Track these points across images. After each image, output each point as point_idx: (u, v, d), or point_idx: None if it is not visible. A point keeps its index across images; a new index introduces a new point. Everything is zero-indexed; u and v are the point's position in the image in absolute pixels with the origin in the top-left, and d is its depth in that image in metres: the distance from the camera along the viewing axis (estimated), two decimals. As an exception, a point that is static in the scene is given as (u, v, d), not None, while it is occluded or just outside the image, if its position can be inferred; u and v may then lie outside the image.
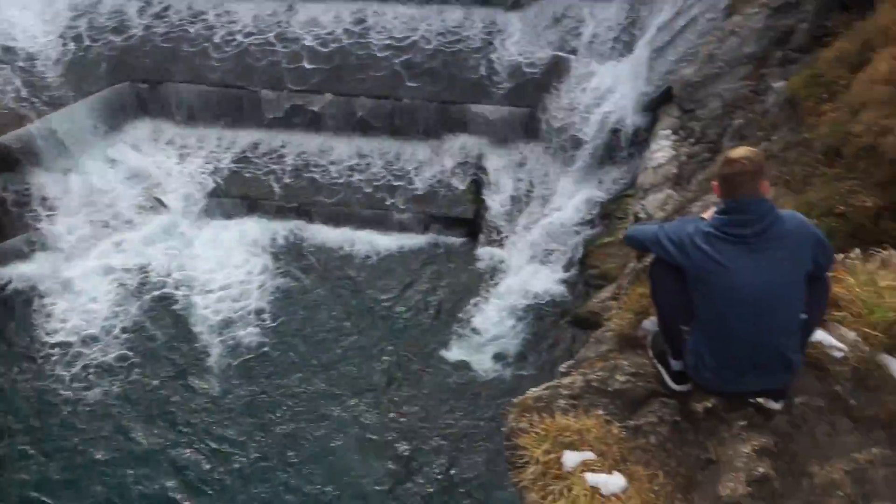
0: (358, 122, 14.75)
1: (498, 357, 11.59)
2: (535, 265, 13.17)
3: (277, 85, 14.52)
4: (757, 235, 3.43)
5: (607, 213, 13.19)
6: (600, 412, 3.79)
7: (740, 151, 3.51)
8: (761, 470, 3.61)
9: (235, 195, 14.31)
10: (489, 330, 11.96)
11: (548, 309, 12.37)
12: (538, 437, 3.65)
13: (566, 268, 12.99)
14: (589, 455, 3.57)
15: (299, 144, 15.10)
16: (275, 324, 12.23)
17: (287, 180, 14.60)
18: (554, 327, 11.93)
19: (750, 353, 3.51)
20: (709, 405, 3.84)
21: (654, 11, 13.07)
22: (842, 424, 3.80)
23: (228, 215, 14.22)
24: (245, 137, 14.90)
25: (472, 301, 12.54)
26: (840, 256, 4.40)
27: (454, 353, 11.67)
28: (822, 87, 8.53)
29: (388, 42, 14.88)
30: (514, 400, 3.94)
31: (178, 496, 9.87)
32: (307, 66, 14.68)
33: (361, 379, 11.36)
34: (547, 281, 12.89)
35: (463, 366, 11.46)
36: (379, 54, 14.64)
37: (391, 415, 10.81)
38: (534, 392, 3.93)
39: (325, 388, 11.23)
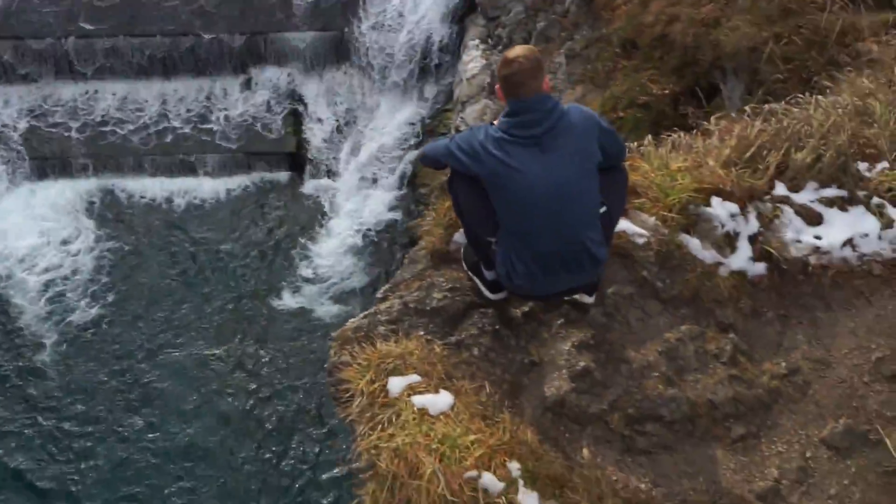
0: (158, 64, 13.79)
1: (339, 294, 11.36)
2: (366, 191, 12.98)
3: (62, 32, 13.27)
4: (545, 133, 3.39)
5: (430, 130, 13.13)
6: (421, 333, 3.72)
7: (517, 50, 3.44)
8: (582, 364, 3.68)
9: (36, 157, 13.09)
10: (327, 266, 11.73)
11: (383, 234, 12.27)
12: (361, 367, 3.54)
13: (397, 189, 12.89)
14: (414, 378, 3.50)
15: (97, 94, 13.97)
16: (109, 295, 11.39)
17: (91, 133, 13.52)
18: (390, 252, 11.86)
19: (556, 253, 3.51)
20: (526, 309, 3.86)
21: (449, -81, 12.81)
22: (652, 307, 3.93)
23: (32, 181, 13.02)
24: (35, 93, 13.59)
25: (307, 238, 12.23)
26: (634, 145, 4.50)
27: (296, 299, 11.33)
28: (614, -19, 8.70)
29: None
30: (334, 334, 3.81)
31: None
32: (89, 7, 13.49)
33: (206, 338, 10.78)
34: (379, 205, 12.76)
35: (305, 310, 11.15)
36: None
37: (238, 373, 10.41)
38: (352, 323, 3.81)
39: (171, 355, 10.58)
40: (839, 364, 3.77)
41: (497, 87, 3.53)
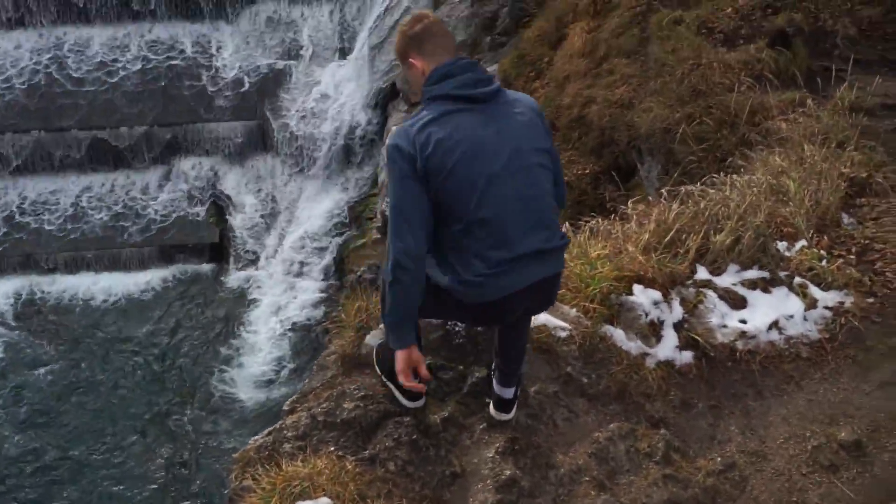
0: (77, 158, 13.44)
1: (261, 401, 10.73)
2: (291, 281, 12.67)
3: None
4: (489, 96, 2.80)
5: (356, 216, 12.98)
6: (331, 448, 3.41)
7: (421, 11, 3.09)
8: (507, 473, 3.41)
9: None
10: (250, 368, 11.19)
11: (309, 330, 11.83)
12: (265, 493, 3.20)
13: (325, 277, 12.60)
14: (323, 501, 3.18)
15: (12, 189, 13.51)
16: (24, 410, 10.64)
17: (4, 230, 12.99)
18: (316, 351, 11.43)
19: (523, 231, 2.87)
20: (445, 415, 3.59)
21: (366, 9, 12.98)
22: (578, 405, 3.71)
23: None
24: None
25: (230, 336, 11.73)
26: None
27: (217, 407, 10.66)
28: (529, 65, 8.79)
29: (95, 68, 13.67)
30: (235, 455, 3.46)
31: None
32: (4, 102, 13.16)
33: (123, 451, 10.02)
34: (307, 294, 12.42)
35: (226, 420, 10.51)
36: (87, 85, 13.42)
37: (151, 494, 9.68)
38: (256, 441, 3.48)
39: (86, 469, 9.82)
40: (775, 455, 3.59)
41: (411, 59, 2.87)
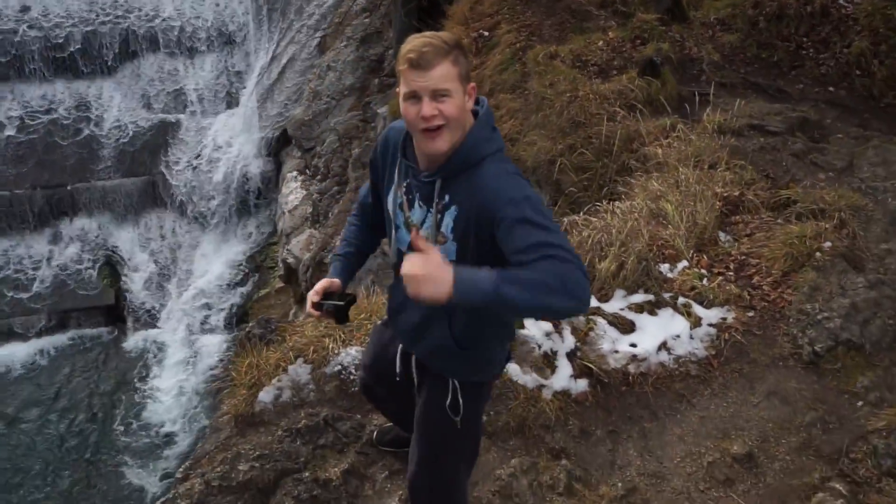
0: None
1: (168, 467, 10.29)
2: (194, 336, 12.30)
3: None
4: None
5: (258, 265, 12.77)
6: (229, 515, 3.29)
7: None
8: (412, 519, 3.37)
9: None
10: (156, 432, 10.74)
11: (220, 381, 11.48)
12: (159, 570, 3.07)
13: (228, 330, 12.29)
14: (222, 571, 3.06)
15: None
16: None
17: None
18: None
19: None
20: (346, 466, 3.53)
21: (251, 58, 12.90)
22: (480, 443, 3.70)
23: None
24: None
25: (134, 400, 11.24)
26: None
27: (121, 477, 10.21)
28: (417, 105, 8.84)
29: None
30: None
31: None
32: None
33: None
34: (211, 349, 12.08)
35: (131, 488, 10.06)
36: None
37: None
38: (148, 516, 3.33)
39: None
40: (673, 475, 3.67)
41: (473, 84, 2.25)
